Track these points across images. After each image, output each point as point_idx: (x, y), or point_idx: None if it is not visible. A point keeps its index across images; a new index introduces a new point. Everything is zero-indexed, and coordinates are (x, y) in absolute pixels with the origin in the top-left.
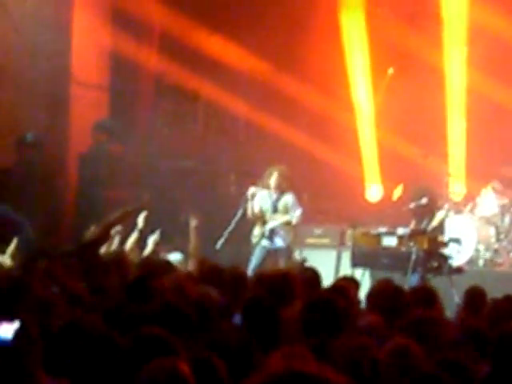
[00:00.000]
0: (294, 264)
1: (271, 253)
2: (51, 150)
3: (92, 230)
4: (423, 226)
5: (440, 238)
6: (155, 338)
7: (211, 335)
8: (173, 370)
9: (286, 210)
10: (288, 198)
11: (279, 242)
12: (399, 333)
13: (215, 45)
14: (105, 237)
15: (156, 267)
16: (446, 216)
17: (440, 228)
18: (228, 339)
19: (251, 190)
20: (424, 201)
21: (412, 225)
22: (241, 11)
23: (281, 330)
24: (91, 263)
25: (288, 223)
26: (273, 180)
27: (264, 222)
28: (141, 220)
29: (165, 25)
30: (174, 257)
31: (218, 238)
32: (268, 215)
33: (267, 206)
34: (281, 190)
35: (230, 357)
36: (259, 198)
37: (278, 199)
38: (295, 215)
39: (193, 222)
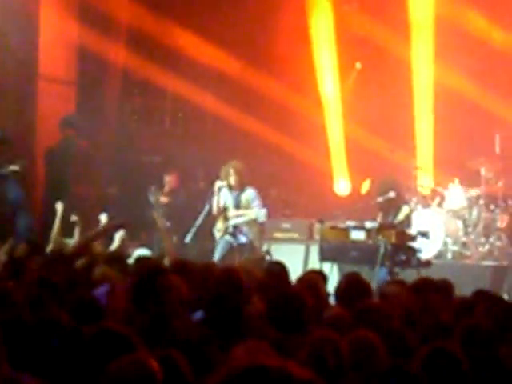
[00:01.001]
0: (254, 257)
1: (235, 248)
2: (19, 147)
3: (72, 244)
4: (390, 219)
5: (407, 232)
6: (114, 333)
7: (171, 331)
8: (143, 367)
9: (248, 205)
10: (248, 193)
11: (242, 238)
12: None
13: (183, 40)
14: (83, 252)
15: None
16: (413, 210)
17: (407, 222)
18: (188, 335)
19: (217, 184)
20: (392, 194)
21: (379, 218)
22: (209, 6)
23: (243, 325)
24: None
25: (253, 221)
26: (231, 179)
27: (226, 218)
28: (103, 217)
29: (132, 20)
30: (141, 252)
31: (187, 233)
32: (230, 211)
33: (229, 202)
34: (240, 187)
35: (190, 353)
36: (223, 193)
37: (238, 195)
38: (261, 214)
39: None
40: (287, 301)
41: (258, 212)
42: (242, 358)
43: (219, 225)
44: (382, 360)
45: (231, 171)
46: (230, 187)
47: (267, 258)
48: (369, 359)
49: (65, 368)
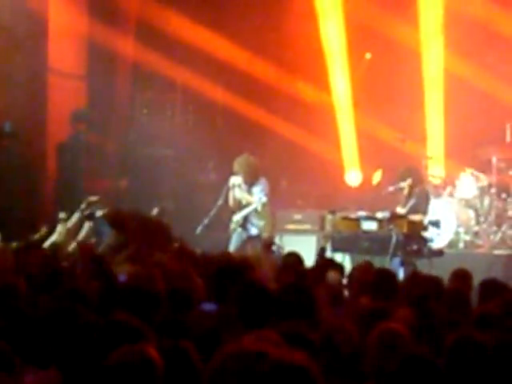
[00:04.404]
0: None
1: (248, 240)
2: (29, 140)
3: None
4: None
5: (418, 219)
6: (125, 324)
7: (182, 321)
8: (141, 356)
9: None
10: (257, 187)
11: (253, 229)
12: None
13: (193, 32)
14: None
15: None
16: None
17: (423, 205)
18: (199, 326)
19: (231, 179)
20: (403, 184)
21: (398, 208)
22: None
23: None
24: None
25: (255, 211)
26: (243, 174)
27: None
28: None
29: (141, 12)
30: None
31: (198, 224)
32: (243, 204)
33: (242, 196)
34: (252, 180)
35: (200, 343)
36: (238, 188)
37: (249, 191)
38: (257, 201)
39: (154, 211)
40: (300, 291)
41: (256, 200)
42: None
43: (235, 218)
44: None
45: (238, 168)
46: (243, 181)
47: (275, 248)
48: (396, 350)
49: (73, 359)
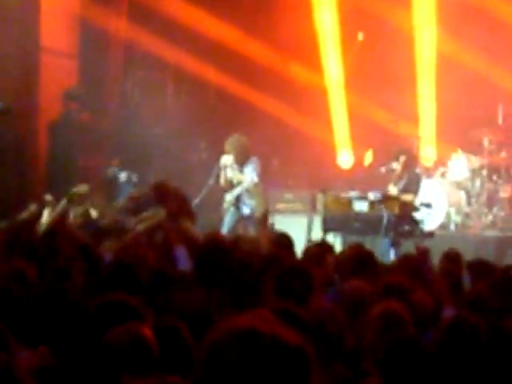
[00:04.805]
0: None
1: (241, 220)
2: (21, 118)
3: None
4: (398, 188)
5: (410, 198)
6: (121, 303)
7: (172, 300)
8: (135, 335)
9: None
10: (248, 167)
11: (245, 209)
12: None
13: (185, 12)
14: None
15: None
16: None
17: (414, 186)
18: (188, 304)
19: (223, 159)
20: (395, 164)
21: (390, 187)
22: None
23: (258, 296)
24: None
25: (247, 190)
26: (234, 154)
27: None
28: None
29: None
30: None
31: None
32: (234, 184)
33: (233, 175)
34: (244, 160)
35: (191, 321)
36: (229, 168)
37: (240, 170)
38: (248, 179)
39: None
40: (295, 273)
41: (247, 179)
42: (241, 321)
43: (227, 197)
44: (408, 333)
45: (229, 147)
46: (235, 161)
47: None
48: (397, 332)
49: (69, 339)
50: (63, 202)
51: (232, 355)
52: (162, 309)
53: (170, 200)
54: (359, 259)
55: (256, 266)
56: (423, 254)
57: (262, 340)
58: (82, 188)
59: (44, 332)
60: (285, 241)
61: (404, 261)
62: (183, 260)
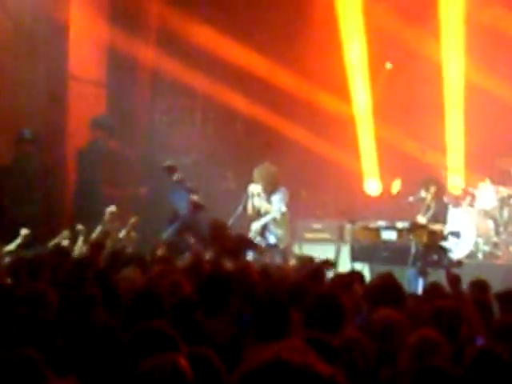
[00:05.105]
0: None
1: (265, 249)
2: (49, 146)
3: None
4: (427, 216)
5: (439, 228)
6: (156, 332)
7: (203, 330)
8: (172, 365)
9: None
10: (276, 197)
11: (271, 238)
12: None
13: (213, 40)
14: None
15: None
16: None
17: (442, 216)
18: (220, 334)
19: (251, 188)
20: (423, 194)
21: (420, 215)
22: (239, 6)
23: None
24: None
25: (274, 220)
26: (263, 183)
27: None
28: (107, 213)
29: (162, 19)
30: None
31: None
32: (262, 213)
33: (260, 204)
34: (272, 189)
35: (221, 351)
36: (257, 197)
37: (268, 199)
38: (277, 211)
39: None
40: (325, 302)
41: (275, 209)
42: (270, 352)
43: (253, 226)
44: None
45: (257, 177)
46: (263, 190)
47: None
48: (433, 359)
49: (103, 367)
50: (100, 227)
51: None
52: (191, 336)
53: (225, 238)
54: (387, 288)
55: (284, 296)
56: (455, 281)
57: (294, 370)
58: (112, 209)
59: (72, 360)
60: (315, 270)
61: (432, 289)
62: None
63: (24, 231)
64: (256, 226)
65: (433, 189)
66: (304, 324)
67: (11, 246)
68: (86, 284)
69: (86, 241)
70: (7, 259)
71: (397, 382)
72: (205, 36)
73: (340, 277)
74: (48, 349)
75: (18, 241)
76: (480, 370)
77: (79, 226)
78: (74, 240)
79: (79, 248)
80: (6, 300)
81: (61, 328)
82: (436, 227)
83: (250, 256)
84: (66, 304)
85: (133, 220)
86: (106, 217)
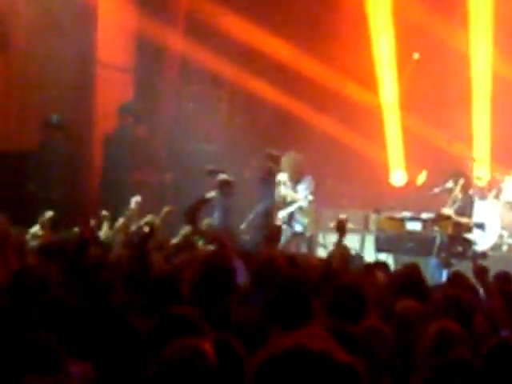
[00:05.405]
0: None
1: (293, 237)
2: (77, 132)
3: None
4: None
5: (465, 221)
6: (182, 317)
7: (230, 315)
8: (195, 351)
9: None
10: (302, 185)
11: (297, 226)
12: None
13: (241, 29)
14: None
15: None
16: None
17: (468, 208)
18: (246, 320)
19: (280, 176)
20: (450, 185)
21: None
22: None
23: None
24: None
25: (300, 208)
26: (285, 174)
27: (287, 207)
28: (133, 202)
29: (191, 7)
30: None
31: (243, 219)
32: (288, 201)
33: (286, 193)
34: (298, 178)
35: (247, 337)
36: (284, 185)
37: (293, 188)
38: (303, 199)
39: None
40: (349, 291)
41: (301, 197)
42: (291, 339)
43: (280, 214)
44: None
45: (285, 166)
46: (289, 179)
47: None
48: (453, 350)
49: (112, 354)
50: (122, 219)
51: (282, 374)
52: (219, 322)
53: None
54: (410, 279)
55: (309, 284)
56: (481, 272)
57: (313, 358)
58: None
59: (90, 345)
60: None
61: (456, 279)
62: (241, 273)
63: (49, 213)
64: (282, 214)
65: (461, 181)
66: (327, 313)
67: (35, 229)
68: (104, 270)
69: (111, 227)
70: (34, 242)
71: (416, 373)
72: (234, 24)
73: (364, 266)
74: (60, 333)
75: (42, 223)
76: (498, 362)
77: (104, 212)
78: (98, 226)
79: (105, 234)
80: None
81: (80, 313)
82: (462, 220)
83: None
84: (85, 290)
85: (166, 209)
86: (132, 205)
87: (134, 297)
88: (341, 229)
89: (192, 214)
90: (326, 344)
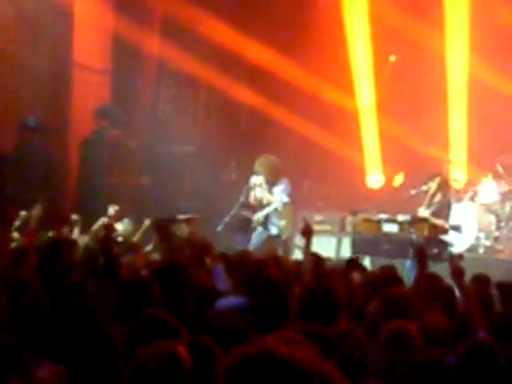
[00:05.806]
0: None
1: (268, 239)
2: (53, 135)
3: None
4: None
5: (441, 223)
6: (157, 320)
7: (207, 318)
8: (169, 353)
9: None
10: (278, 188)
11: (273, 229)
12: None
13: (218, 31)
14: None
15: None
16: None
17: (444, 211)
18: (225, 322)
19: (253, 179)
20: (425, 187)
21: (422, 208)
22: None
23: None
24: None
25: (275, 210)
26: (261, 176)
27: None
28: (111, 209)
29: (167, 9)
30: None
31: (219, 223)
32: (264, 203)
33: (263, 195)
34: (274, 180)
35: (226, 339)
36: (259, 188)
37: (270, 190)
38: (279, 202)
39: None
40: (319, 292)
41: (276, 200)
42: (257, 343)
43: (256, 216)
44: (418, 352)
45: (260, 169)
46: (265, 181)
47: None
48: (407, 350)
49: (84, 356)
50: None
51: (244, 379)
52: (199, 327)
53: None
54: (386, 280)
55: (282, 286)
56: (459, 273)
57: (274, 364)
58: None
59: (64, 348)
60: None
61: (427, 281)
62: (220, 278)
63: (23, 214)
64: (258, 216)
65: (437, 179)
66: (298, 315)
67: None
68: (71, 271)
69: (84, 231)
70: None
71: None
72: (211, 27)
73: (338, 265)
74: (32, 335)
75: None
76: (474, 363)
77: (75, 217)
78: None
79: (76, 238)
80: None
81: (51, 315)
82: (438, 222)
83: (252, 245)
84: (54, 292)
85: (147, 222)
86: (110, 213)
87: (106, 298)
88: (306, 233)
89: (162, 228)
90: (291, 349)
